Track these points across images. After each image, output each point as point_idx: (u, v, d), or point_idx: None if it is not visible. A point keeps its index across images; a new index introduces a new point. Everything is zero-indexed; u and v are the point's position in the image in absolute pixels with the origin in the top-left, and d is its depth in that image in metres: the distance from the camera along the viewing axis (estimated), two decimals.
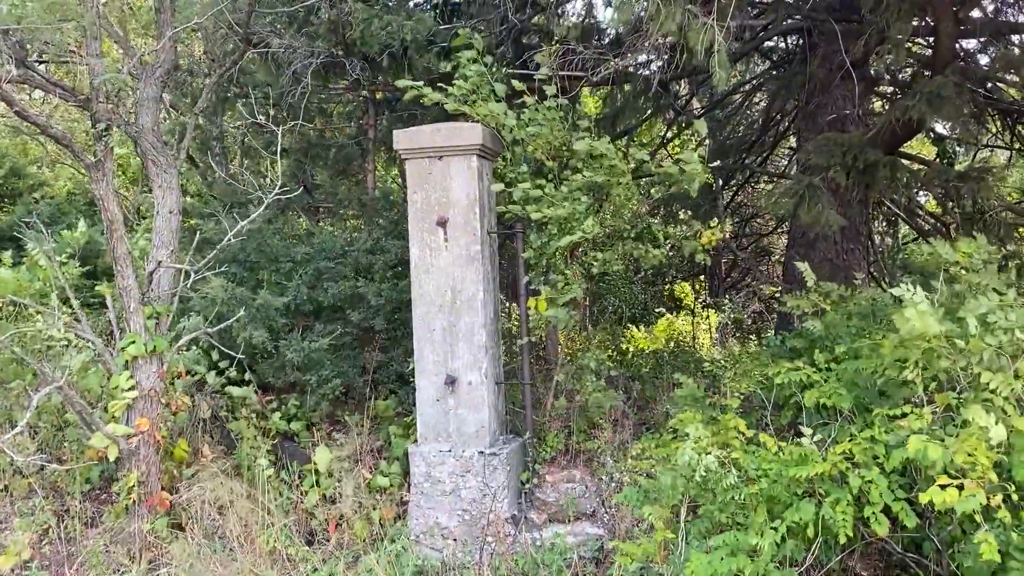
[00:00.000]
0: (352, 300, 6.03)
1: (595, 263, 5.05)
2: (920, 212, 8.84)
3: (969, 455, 3.20)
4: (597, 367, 5.39)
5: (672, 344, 9.10)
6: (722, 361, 5.34)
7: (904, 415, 3.66)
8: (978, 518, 3.24)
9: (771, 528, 3.62)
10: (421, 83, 5.26)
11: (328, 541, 4.94)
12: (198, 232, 5.28)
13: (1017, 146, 8.59)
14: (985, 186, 5.52)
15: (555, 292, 5.00)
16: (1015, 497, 3.26)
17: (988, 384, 3.34)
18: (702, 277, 12.41)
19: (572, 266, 5.12)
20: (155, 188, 5.21)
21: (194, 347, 5.97)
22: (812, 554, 3.79)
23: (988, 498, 3.20)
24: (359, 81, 5.99)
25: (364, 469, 5.37)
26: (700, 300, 12.23)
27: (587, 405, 5.55)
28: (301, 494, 5.23)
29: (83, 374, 5.52)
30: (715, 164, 6.00)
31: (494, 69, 5.43)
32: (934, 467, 3.34)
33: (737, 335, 11.20)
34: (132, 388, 4.79)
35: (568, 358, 6.47)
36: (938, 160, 8.81)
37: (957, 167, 8.35)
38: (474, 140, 4.91)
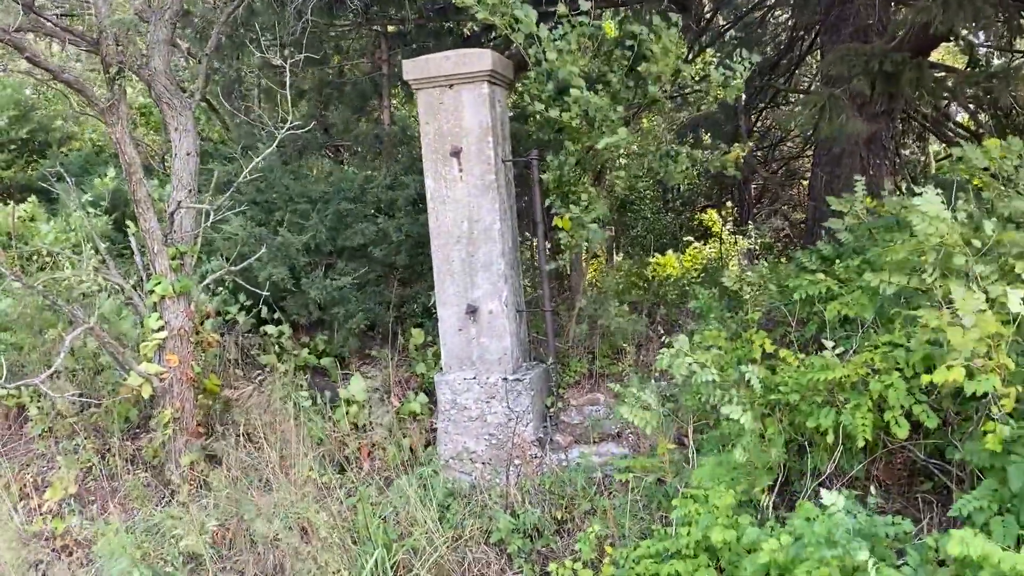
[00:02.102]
0: (375, 238, 6.08)
1: (619, 180, 4.99)
2: (950, 125, 8.60)
3: (986, 338, 3.16)
4: (619, 293, 5.38)
5: (698, 271, 9.03)
6: (744, 277, 5.30)
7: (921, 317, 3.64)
8: (994, 409, 3.23)
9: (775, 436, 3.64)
10: None
11: (361, 469, 5.07)
12: (215, 173, 5.31)
13: None
14: (1019, 82, 5.33)
15: (581, 212, 4.96)
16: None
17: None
18: (729, 204, 12.27)
19: (597, 186, 5.07)
20: (171, 131, 5.25)
21: (222, 288, 6.07)
22: (833, 463, 3.81)
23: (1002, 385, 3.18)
24: (366, 15, 5.91)
25: (394, 399, 5.48)
26: (727, 227, 12.11)
27: (610, 330, 5.58)
28: (334, 424, 5.35)
29: (115, 317, 5.66)
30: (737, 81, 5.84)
31: None
32: (954, 356, 3.30)
33: (767, 259, 11.11)
34: (161, 328, 4.90)
35: (592, 285, 6.48)
36: (968, 68, 8.54)
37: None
38: (484, 66, 4.86)
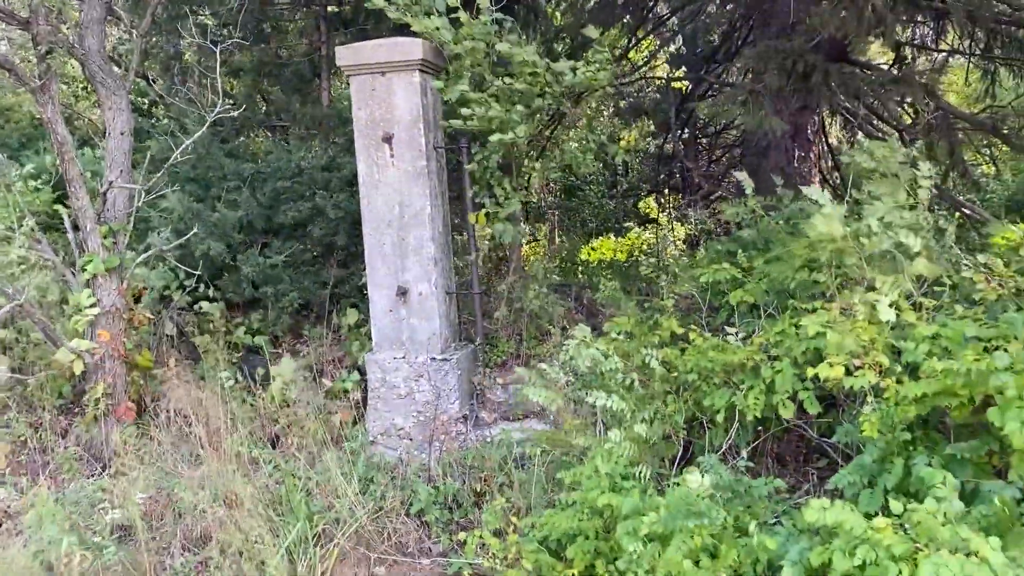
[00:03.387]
0: (311, 216, 6.20)
1: (533, 173, 5.21)
2: (874, 121, 8.94)
3: (863, 339, 3.47)
4: (542, 277, 5.61)
5: (633, 256, 9.31)
6: (661, 265, 5.57)
7: (814, 310, 3.94)
8: (870, 399, 3.54)
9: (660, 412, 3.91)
10: None
11: (291, 444, 5.23)
12: (148, 153, 5.39)
13: (977, 53, 8.66)
14: (914, 91, 5.65)
15: (496, 206, 5.18)
16: (904, 379, 3.53)
17: (881, 283, 3.60)
18: (667, 191, 12.57)
19: (514, 180, 5.28)
20: (105, 110, 5.31)
21: (160, 264, 6.14)
22: (729, 439, 4.10)
23: (878, 378, 3.49)
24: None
25: (325, 378, 5.64)
26: (666, 214, 12.42)
27: (536, 313, 5.81)
28: (264, 402, 5.50)
29: (48, 293, 5.71)
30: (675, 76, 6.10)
31: None
32: (835, 353, 3.61)
33: (705, 245, 11.46)
34: (93, 305, 4.99)
35: (522, 269, 6.69)
36: (894, 66, 8.88)
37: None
38: (415, 55, 5.00)
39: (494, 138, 5.07)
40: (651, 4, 9.62)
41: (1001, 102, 9.49)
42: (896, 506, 2.90)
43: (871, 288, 3.78)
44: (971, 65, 9.66)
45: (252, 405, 5.50)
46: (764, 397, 3.93)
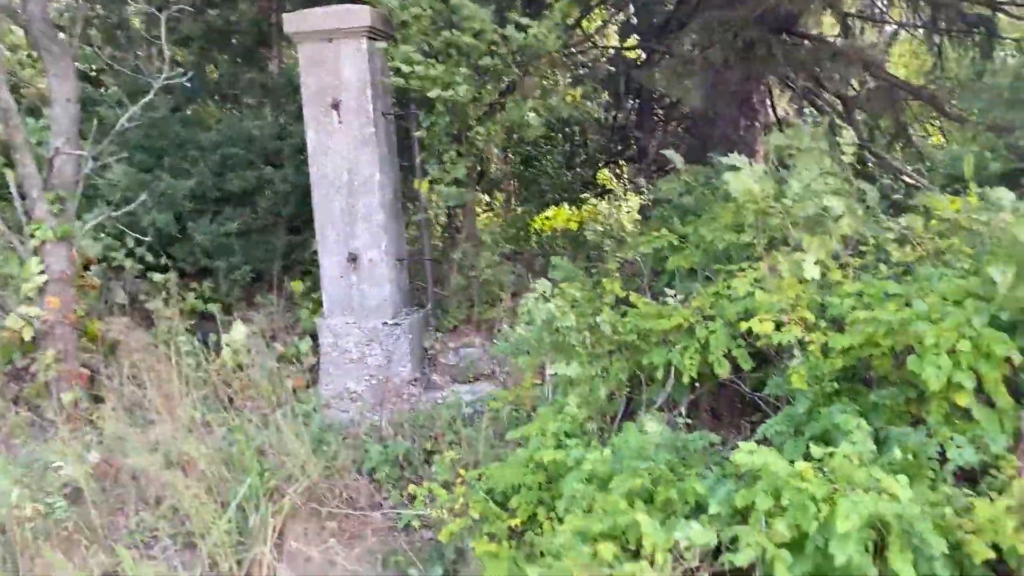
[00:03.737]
0: (261, 185, 6.23)
1: (479, 137, 5.31)
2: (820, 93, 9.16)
3: (789, 296, 3.66)
4: (493, 244, 5.73)
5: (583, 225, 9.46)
6: (608, 232, 5.75)
7: (743, 270, 4.12)
8: (797, 352, 3.74)
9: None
10: None
11: (244, 407, 5.31)
12: (95, 120, 5.37)
13: (921, 26, 8.91)
14: (853, 63, 5.84)
15: (443, 172, 5.27)
16: (830, 333, 3.73)
17: (807, 244, 3.79)
18: (622, 162, 12.74)
19: (462, 146, 5.37)
20: (50, 77, 5.27)
21: (104, 234, 6.12)
22: (666, 394, 4.28)
23: (803, 334, 3.68)
24: None
25: (278, 343, 5.72)
26: (621, 183, 12.59)
27: (489, 280, 5.94)
28: (217, 367, 5.56)
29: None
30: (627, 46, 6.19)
31: None
32: (764, 311, 3.80)
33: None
34: (42, 272, 5.00)
35: (478, 237, 6.80)
36: (839, 38, 9.10)
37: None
38: (363, 22, 5.05)
39: (433, 93, 5.14)
40: None
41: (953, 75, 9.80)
42: (816, 451, 3.09)
43: (798, 249, 3.97)
44: (919, 39, 9.95)
45: (206, 370, 5.56)
46: (699, 356, 4.10)
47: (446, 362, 5.57)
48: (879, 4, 10.24)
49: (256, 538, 3.96)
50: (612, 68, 11.36)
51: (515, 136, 5.76)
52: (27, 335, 4.91)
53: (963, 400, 3.19)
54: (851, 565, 2.74)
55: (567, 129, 13.63)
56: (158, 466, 4.43)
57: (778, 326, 3.71)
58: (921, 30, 9.49)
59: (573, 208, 11.29)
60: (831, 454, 3.02)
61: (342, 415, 5.25)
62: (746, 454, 3.04)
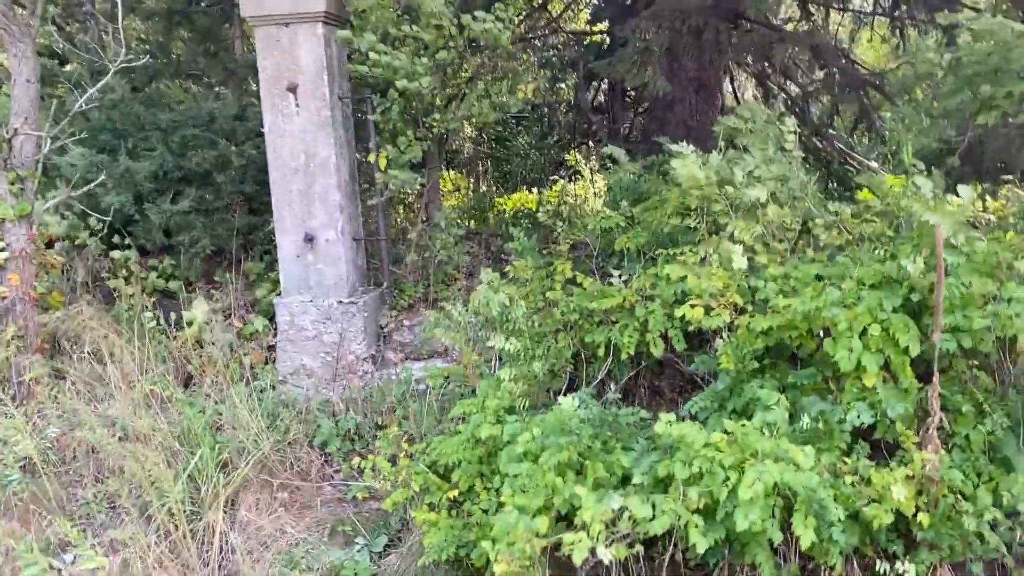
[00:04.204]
0: (221, 165, 6.32)
1: (435, 123, 5.44)
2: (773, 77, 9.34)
3: (717, 283, 3.86)
4: (447, 225, 5.87)
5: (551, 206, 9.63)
6: (560, 214, 5.93)
7: (682, 253, 4.31)
8: (724, 334, 3.94)
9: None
10: None
11: (203, 383, 5.45)
12: (54, 100, 5.45)
13: (881, 13, 9.11)
14: (801, 48, 6.02)
15: (395, 155, 5.40)
16: (754, 315, 3.92)
17: (735, 229, 3.98)
18: (590, 143, 12.86)
19: (418, 130, 5.51)
20: (10, 57, 5.33)
21: (69, 213, 6.20)
22: (607, 371, 4.47)
23: (732, 318, 3.88)
24: None
25: (237, 320, 5.85)
26: (589, 164, 12.74)
27: (443, 259, 6.09)
28: (179, 344, 5.69)
29: None
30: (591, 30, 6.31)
31: None
32: (696, 295, 3.99)
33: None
34: (2, 250, 5.09)
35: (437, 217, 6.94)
36: (798, 24, 9.27)
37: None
38: (319, 7, 5.15)
39: (399, 83, 5.27)
40: None
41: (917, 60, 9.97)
42: (730, 424, 3.30)
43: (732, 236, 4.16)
44: (883, 24, 10.14)
45: (166, 347, 5.69)
46: (638, 335, 4.29)
47: (401, 339, 5.73)
48: None
49: (208, 507, 4.12)
50: (580, 51, 11.47)
51: (475, 120, 5.88)
52: None
53: (869, 380, 3.40)
54: (754, 529, 2.95)
55: (538, 111, 13.76)
56: (115, 440, 4.58)
57: (708, 310, 3.90)
58: (874, 16, 9.75)
59: (540, 190, 11.48)
60: (743, 426, 3.22)
61: (298, 391, 5.40)
62: (665, 425, 3.25)
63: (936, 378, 3.48)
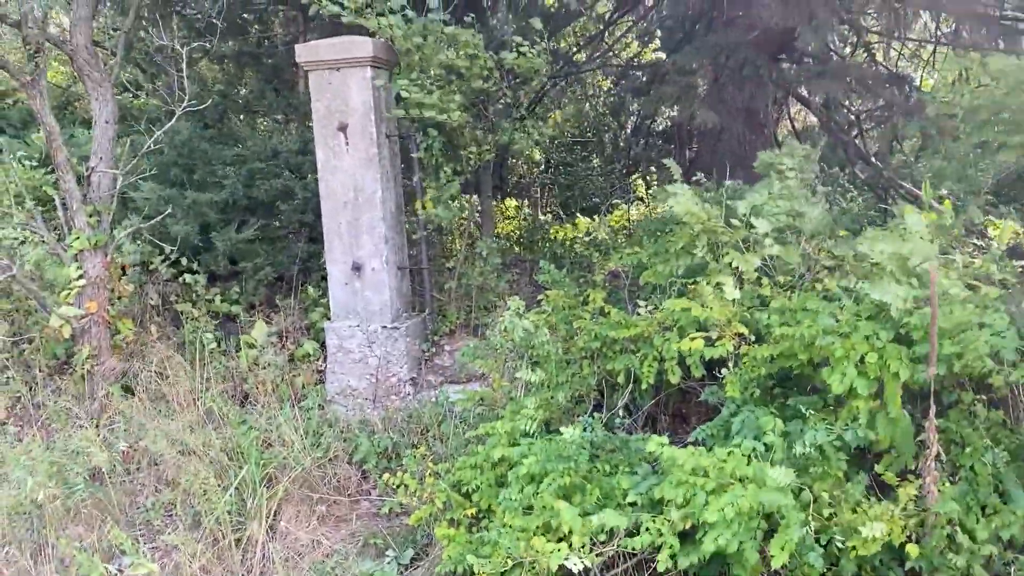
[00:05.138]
0: (285, 195, 6.77)
1: (472, 155, 5.74)
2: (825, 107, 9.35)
3: (716, 316, 4.02)
4: (487, 254, 6.15)
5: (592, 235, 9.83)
6: (597, 244, 6.12)
7: (694, 285, 4.48)
8: (730, 364, 4.09)
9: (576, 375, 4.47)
10: None
11: (258, 402, 5.85)
12: (129, 139, 5.97)
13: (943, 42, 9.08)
14: (837, 84, 6.11)
15: (438, 189, 5.73)
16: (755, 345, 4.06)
17: (736, 261, 4.14)
18: (652, 169, 13.00)
19: (456, 163, 5.82)
20: (92, 101, 5.88)
21: (140, 242, 6.72)
22: (627, 398, 4.65)
23: (737, 347, 4.03)
24: None
25: (291, 343, 6.25)
26: (650, 191, 12.87)
27: (486, 286, 6.37)
28: (236, 365, 6.11)
29: (44, 267, 6.32)
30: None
31: None
32: (696, 328, 4.17)
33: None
34: (80, 277, 5.60)
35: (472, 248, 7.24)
36: (852, 57, 9.29)
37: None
38: (367, 52, 5.53)
39: (429, 115, 5.60)
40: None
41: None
42: (720, 451, 3.45)
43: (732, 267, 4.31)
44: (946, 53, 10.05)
45: (226, 367, 6.11)
46: (657, 364, 4.47)
47: (442, 363, 6.02)
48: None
49: (251, 518, 4.47)
50: (643, 77, 11.67)
51: (523, 149, 6.14)
52: (66, 333, 5.51)
53: (861, 404, 3.51)
54: (728, 551, 3.10)
55: (602, 136, 13.98)
56: (174, 454, 4.98)
57: (710, 341, 4.06)
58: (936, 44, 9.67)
59: (601, 216, 11.68)
60: (730, 452, 3.38)
61: (343, 410, 5.74)
62: (656, 445, 3.43)
63: (932, 411, 3.56)
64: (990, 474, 3.74)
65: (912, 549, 3.29)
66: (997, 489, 3.78)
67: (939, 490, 3.58)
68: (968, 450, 3.83)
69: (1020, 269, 4.58)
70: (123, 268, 6.11)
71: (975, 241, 5.21)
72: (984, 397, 3.97)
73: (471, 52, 5.67)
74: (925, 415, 3.61)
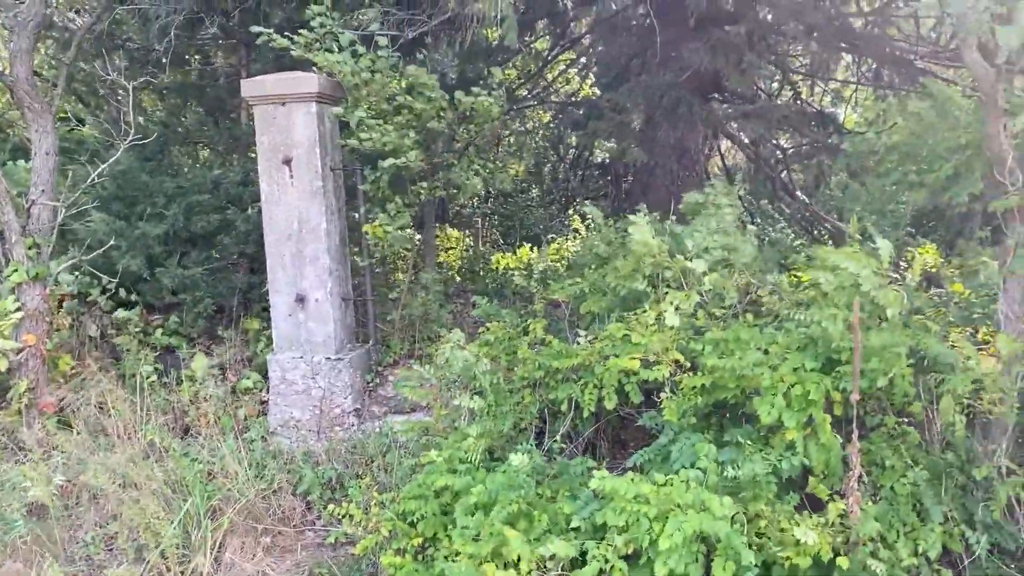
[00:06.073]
0: (226, 228, 6.80)
1: (422, 191, 5.89)
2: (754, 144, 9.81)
3: (654, 343, 4.22)
4: (429, 285, 6.28)
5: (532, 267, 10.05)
6: (536, 275, 6.32)
7: (635, 315, 4.68)
8: (666, 390, 4.29)
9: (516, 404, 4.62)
10: (270, 30, 5.88)
11: (200, 434, 5.83)
12: (70, 170, 5.96)
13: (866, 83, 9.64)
14: (763, 123, 6.46)
15: (389, 219, 5.85)
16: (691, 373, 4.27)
17: (673, 298, 4.37)
18: (589, 200, 13.32)
19: (405, 196, 5.95)
20: (32, 132, 5.85)
21: (78, 274, 6.66)
22: (568, 425, 4.81)
23: (673, 373, 4.24)
24: (225, 31, 6.60)
25: (232, 375, 6.25)
26: (587, 223, 13.18)
27: (428, 316, 6.49)
28: (177, 397, 6.08)
29: None
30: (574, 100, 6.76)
31: (338, 20, 6.07)
32: (635, 353, 4.36)
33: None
34: (18, 309, 5.54)
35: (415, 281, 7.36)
36: (776, 98, 9.77)
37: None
38: (312, 88, 5.64)
39: (386, 163, 5.74)
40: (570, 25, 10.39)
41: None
42: (660, 477, 3.63)
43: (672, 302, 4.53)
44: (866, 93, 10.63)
45: (167, 400, 6.09)
46: (597, 392, 4.64)
47: (385, 394, 6.10)
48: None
49: (197, 551, 4.47)
50: (581, 112, 12.00)
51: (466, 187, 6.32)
52: (2, 366, 5.43)
53: (790, 435, 3.74)
54: (675, 573, 3.27)
55: (543, 169, 14.28)
56: (115, 487, 4.95)
57: (649, 365, 4.26)
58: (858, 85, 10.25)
59: (539, 246, 11.90)
60: (669, 479, 3.56)
61: (287, 442, 5.77)
62: (598, 480, 3.58)
63: (855, 434, 3.80)
64: (909, 493, 4.01)
65: (843, 561, 3.50)
66: (915, 508, 4.06)
67: (862, 509, 3.82)
68: (889, 471, 4.10)
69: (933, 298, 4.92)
70: (60, 300, 6.06)
71: (892, 273, 5.55)
72: (905, 420, 4.25)
73: (429, 94, 5.83)
74: (851, 439, 3.86)
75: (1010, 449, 4.16)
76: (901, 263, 5.53)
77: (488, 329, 5.43)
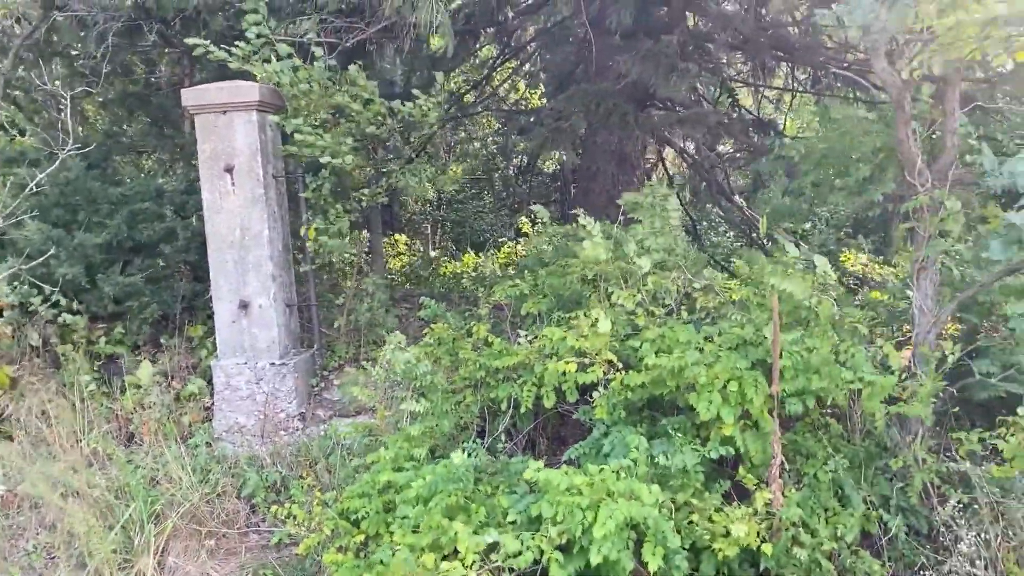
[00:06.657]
0: (170, 236, 6.80)
1: (363, 197, 5.99)
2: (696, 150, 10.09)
3: (589, 345, 4.38)
4: (374, 290, 6.38)
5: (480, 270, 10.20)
6: (483, 279, 6.46)
7: (575, 316, 4.84)
8: (600, 389, 4.45)
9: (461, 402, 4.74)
10: (208, 42, 5.92)
11: (144, 442, 5.84)
12: (10, 179, 5.93)
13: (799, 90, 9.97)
14: (697, 129, 6.69)
15: (327, 223, 5.93)
16: (631, 372, 4.44)
17: (617, 297, 4.53)
18: (537, 207, 13.49)
19: (345, 202, 6.04)
20: None
21: (21, 285, 6.61)
22: (508, 419, 4.95)
23: (606, 373, 4.40)
24: (165, 38, 6.62)
25: (177, 382, 6.26)
26: (536, 228, 13.37)
27: (373, 321, 6.58)
28: (121, 405, 6.08)
29: None
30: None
31: (275, 30, 6.12)
32: (571, 355, 4.51)
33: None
34: None
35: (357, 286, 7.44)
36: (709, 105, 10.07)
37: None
38: (253, 97, 5.71)
39: (324, 159, 5.82)
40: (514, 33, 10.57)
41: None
42: (593, 468, 3.77)
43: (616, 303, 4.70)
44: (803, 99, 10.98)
45: (111, 408, 6.08)
46: (536, 390, 4.79)
47: (331, 397, 6.17)
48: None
49: (140, 555, 4.50)
50: (529, 120, 12.19)
51: (413, 191, 6.43)
52: None
53: (728, 430, 3.93)
54: (608, 562, 3.42)
55: (491, 176, 14.44)
56: (56, 496, 4.95)
57: (584, 367, 4.42)
58: (794, 92, 10.60)
59: (489, 251, 12.06)
60: (601, 470, 3.71)
61: (232, 447, 5.80)
62: (533, 472, 3.72)
63: (777, 425, 4.00)
64: (831, 480, 4.23)
65: (767, 548, 3.68)
66: (837, 494, 4.28)
67: (784, 495, 4.02)
68: (812, 459, 4.32)
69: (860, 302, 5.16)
70: (0, 310, 6.01)
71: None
72: (828, 410, 4.47)
73: (366, 97, 5.91)
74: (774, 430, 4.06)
75: (924, 438, 4.41)
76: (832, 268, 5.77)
77: (432, 330, 5.54)
